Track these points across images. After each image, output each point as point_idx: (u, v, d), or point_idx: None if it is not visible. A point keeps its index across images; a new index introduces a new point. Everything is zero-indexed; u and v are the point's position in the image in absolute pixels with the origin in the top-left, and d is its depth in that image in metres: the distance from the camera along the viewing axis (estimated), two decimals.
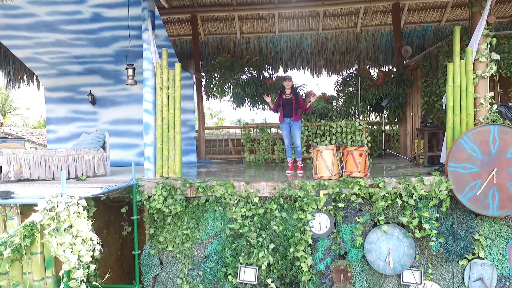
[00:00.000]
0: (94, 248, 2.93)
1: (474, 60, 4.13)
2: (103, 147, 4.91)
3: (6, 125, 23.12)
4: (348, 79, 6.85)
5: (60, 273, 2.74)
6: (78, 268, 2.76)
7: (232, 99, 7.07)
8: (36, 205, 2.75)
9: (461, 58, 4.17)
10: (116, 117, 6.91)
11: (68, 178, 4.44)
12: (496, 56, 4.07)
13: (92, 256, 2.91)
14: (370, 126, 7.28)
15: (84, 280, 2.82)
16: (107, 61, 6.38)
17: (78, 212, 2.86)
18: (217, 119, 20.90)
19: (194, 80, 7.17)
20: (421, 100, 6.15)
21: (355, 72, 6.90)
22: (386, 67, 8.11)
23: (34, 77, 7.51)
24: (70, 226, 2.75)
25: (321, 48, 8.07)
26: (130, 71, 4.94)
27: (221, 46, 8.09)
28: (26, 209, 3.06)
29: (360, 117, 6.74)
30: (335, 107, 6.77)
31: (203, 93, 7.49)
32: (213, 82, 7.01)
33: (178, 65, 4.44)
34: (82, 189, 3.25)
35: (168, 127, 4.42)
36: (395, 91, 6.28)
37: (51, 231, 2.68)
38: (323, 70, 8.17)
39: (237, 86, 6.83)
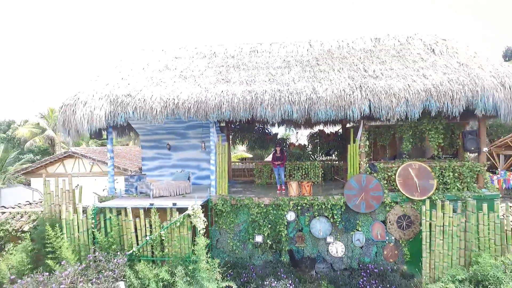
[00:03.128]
0: (204, 223, 8.10)
1: (359, 144, 9.29)
2: (189, 179, 10.10)
3: (58, 141, 28.25)
4: (314, 135, 12.03)
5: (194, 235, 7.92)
6: (201, 230, 7.95)
7: (248, 147, 12.26)
8: (186, 208, 7.95)
9: (354, 142, 9.33)
10: (181, 157, 12.09)
11: (175, 195, 9.62)
12: (367, 142, 9.23)
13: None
14: (327, 162, 12.46)
15: (200, 231, 8.00)
16: (181, 128, 11.58)
17: (200, 210, 8.05)
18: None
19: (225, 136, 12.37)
20: None
21: (317, 132, 12.09)
22: (340, 126, 13.27)
23: (131, 133, 12.70)
24: (199, 216, 7.95)
25: None
26: (203, 145, 10.14)
27: None
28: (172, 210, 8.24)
29: (320, 158, 11.90)
30: (307, 151, 11.95)
31: (230, 142, 12.68)
32: (237, 137, 12.25)
33: (226, 144, 9.64)
34: (197, 200, 8.40)
35: (221, 171, 9.59)
36: (338, 145, 11.44)
37: (193, 217, 7.88)
38: (302, 127, 13.32)
39: (251, 140, 12.06)
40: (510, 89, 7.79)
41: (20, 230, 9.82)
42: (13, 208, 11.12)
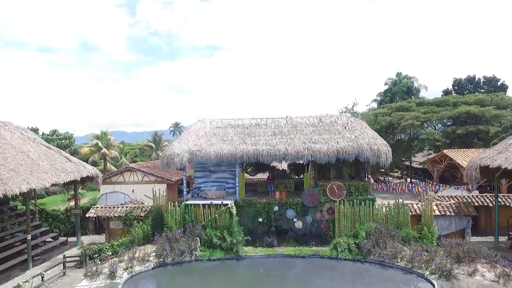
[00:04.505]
0: (235, 211, 17.61)
1: (309, 173, 18.78)
2: (224, 189, 19.64)
3: (109, 156, 37.78)
4: (290, 164, 21.50)
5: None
6: (234, 214, 17.47)
7: (254, 172, 21.68)
8: (227, 204, 17.51)
9: (307, 172, 18.81)
10: (217, 177, 21.44)
11: (218, 198, 19.10)
12: (313, 172, 18.77)
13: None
14: (298, 179, 21.88)
15: (234, 214, 17.52)
16: (217, 161, 21.08)
17: (234, 205, 17.58)
18: None
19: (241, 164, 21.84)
20: None
21: (292, 162, 21.58)
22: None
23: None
24: (233, 207, 17.49)
25: None
26: (232, 172, 19.67)
27: None
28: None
29: (294, 177, 21.36)
30: (286, 173, 21.42)
31: (243, 168, 22.17)
32: (247, 166, 21.71)
33: (245, 173, 19.17)
34: (232, 201, 17.88)
35: (241, 186, 19.09)
36: (303, 170, 20.89)
37: (231, 208, 17.43)
38: (283, 161, 22.76)
39: (255, 167, 21.43)
40: (374, 151, 17.32)
41: (138, 216, 19.37)
42: (130, 204, 20.72)
